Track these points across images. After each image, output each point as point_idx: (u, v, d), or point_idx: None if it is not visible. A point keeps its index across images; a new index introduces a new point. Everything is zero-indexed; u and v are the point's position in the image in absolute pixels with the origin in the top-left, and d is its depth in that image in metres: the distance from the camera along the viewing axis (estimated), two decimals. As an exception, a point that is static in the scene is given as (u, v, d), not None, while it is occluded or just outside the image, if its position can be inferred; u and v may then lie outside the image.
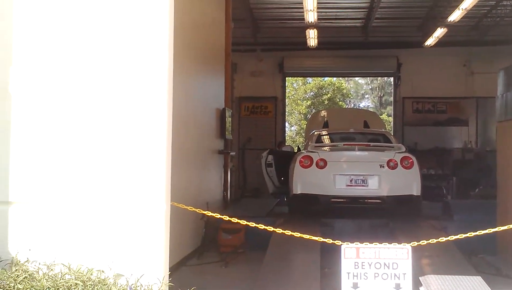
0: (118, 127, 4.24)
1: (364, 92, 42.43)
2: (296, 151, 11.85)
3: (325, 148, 9.84)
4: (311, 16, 14.22)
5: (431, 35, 16.61)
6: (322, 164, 9.14)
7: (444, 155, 17.46)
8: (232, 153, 11.03)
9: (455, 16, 14.17)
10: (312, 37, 16.69)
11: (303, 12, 14.24)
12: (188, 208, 4.67)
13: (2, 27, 4.23)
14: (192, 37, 7.21)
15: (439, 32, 16.08)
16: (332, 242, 4.63)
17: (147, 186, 4.19)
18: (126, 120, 4.23)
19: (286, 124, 36.83)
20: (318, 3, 13.50)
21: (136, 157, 4.22)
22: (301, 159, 9.22)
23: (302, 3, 13.51)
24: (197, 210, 4.85)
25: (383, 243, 4.49)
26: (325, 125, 12.37)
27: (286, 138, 34.34)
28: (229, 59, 10.77)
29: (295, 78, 33.77)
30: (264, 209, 9.67)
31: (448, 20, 14.74)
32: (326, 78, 35.69)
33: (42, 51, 4.25)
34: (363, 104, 41.69)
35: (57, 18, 4.24)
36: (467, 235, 5.00)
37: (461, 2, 13.26)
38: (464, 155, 17.36)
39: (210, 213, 4.99)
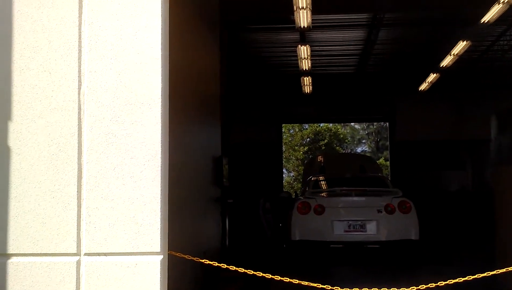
0: (111, 172, 4.26)
1: (360, 137, 42.69)
2: (294, 197, 11.87)
3: (323, 194, 9.87)
4: (305, 64, 14.46)
5: (424, 80, 16.86)
6: (320, 210, 9.17)
7: (441, 199, 17.45)
8: (230, 201, 11.03)
9: (447, 61, 14.42)
10: (306, 84, 16.93)
11: (297, 60, 14.48)
12: (186, 257, 4.66)
13: None
14: (188, 86, 7.31)
15: (432, 77, 16.32)
16: (331, 289, 4.61)
17: (142, 234, 4.19)
18: (119, 164, 4.25)
19: (284, 170, 36.98)
20: (311, 51, 13.75)
21: (130, 203, 4.22)
22: (299, 206, 9.25)
23: (296, 52, 13.75)
24: (194, 258, 4.83)
25: (382, 288, 4.48)
26: (322, 171, 12.42)
27: (284, 184, 34.45)
28: (225, 107, 10.89)
29: (291, 124, 34.03)
30: (263, 256, 9.64)
31: (440, 66, 14.98)
32: (322, 124, 35.98)
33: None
34: (360, 149, 41.92)
35: (55, 71, 4.31)
36: (466, 278, 4.98)
37: (453, 48, 13.50)
38: (462, 199, 17.36)
39: (207, 262, 4.96)
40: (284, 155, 35.96)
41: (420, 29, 13.34)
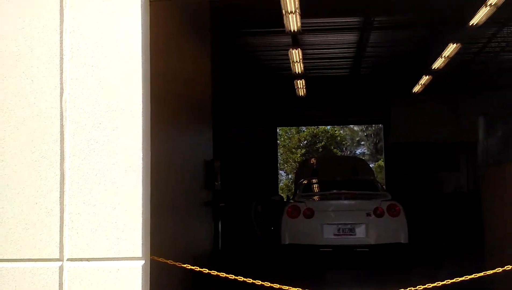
0: (93, 177, 4.30)
1: (359, 139, 42.72)
2: (285, 200, 11.93)
3: (312, 198, 9.92)
4: (297, 67, 14.52)
5: (418, 82, 16.92)
6: (310, 213, 9.21)
7: (436, 201, 17.50)
8: (222, 204, 11.08)
9: (439, 63, 14.49)
10: (300, 87, 16.98)
11: (290, 63, 14.54)
12: (168, 262, 4.70)
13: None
14: (175, 89, 7.36)
15: (425, 79, 16.39)
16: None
17: (124, 240, 4.23)
18: (101, 170, 4.30)
19: (282, 172, 37.07)
20: (304, 54, 13.80)
21: (112, 209, 4.26)
22: (289, 209, 9.30)
23: (288, 55, 13.81)
24: (176, 263, 4.87)
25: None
26: (314, 173, 12.47)
27: (282, 186, 34.48)
28: (218, 110, 10.92)
29: (288, 127, 34.10)
30: (254, 260, 9.68)
31: (433, 68, 15.05)
32: (320, 126, 36.04)
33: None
34: (359, 151, 41.95)
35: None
36: (454, 280, 5.02)
37: (444, 50, 13.57)
38: (456, 200, 17.40)
39: (192, 267, 5.00)
40: (281, 158, 36.07)
41: (411, 32, 13.39)
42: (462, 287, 5.49)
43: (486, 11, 10.33)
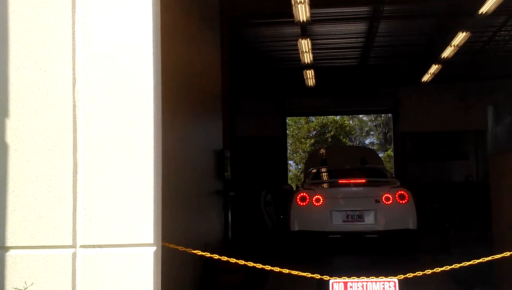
0: (105, 166, 4.38)
1: (368, 129, 42.64)
2: (295, 189, 12.02)
3: (321, 185, 9.99)
4: (307, 57, 14.53)
5: (427, 71, 16.89)
6: (319, 200, 9.29)
7: (445, 189, 17.50)
8: (232, 193, 11.17)
9: (448, 52, 14.45)
10: (309, 78, 16.99)
11: (299, 53, 14.56)
12: (179, 248, 4.79)
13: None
14: (187, 81, 7.43)
15: (434, 68, 16.35)
16: (320, 277, 4.74)
17: (136, 227, 4.31)
18: (113, 159, 4.37)
19: (291, 162, 37.17)
20: (313, 44, 13.82)
21: (124, 197, 4.34)
22: (298, 197, 9.38)
23: (296, 45, 13.83)
24: (187, 250, 4.95)
25: (370, 277, 4.59)
26: (324, 163, 12.54)
27: (291, 176, 34.59)
28: (228, 101, 11.00)
29: (298, 117, 34.11)
30: (264, 247, 9.77)
31: (442, 57, 15.01)
32: (329, 116, 36.03)
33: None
34: (368, 141, 41.90)
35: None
36: (462, 264, 5.06)
37: (453, 39, 13.54)
38: (466, 189, 17.40)
39: (203, 254, 5.08)
40: (290, 148, 36.14)
41: (420, 21, 13.38)
42: (470, 271, 5.57)
43: (495, -1, 10.32)
